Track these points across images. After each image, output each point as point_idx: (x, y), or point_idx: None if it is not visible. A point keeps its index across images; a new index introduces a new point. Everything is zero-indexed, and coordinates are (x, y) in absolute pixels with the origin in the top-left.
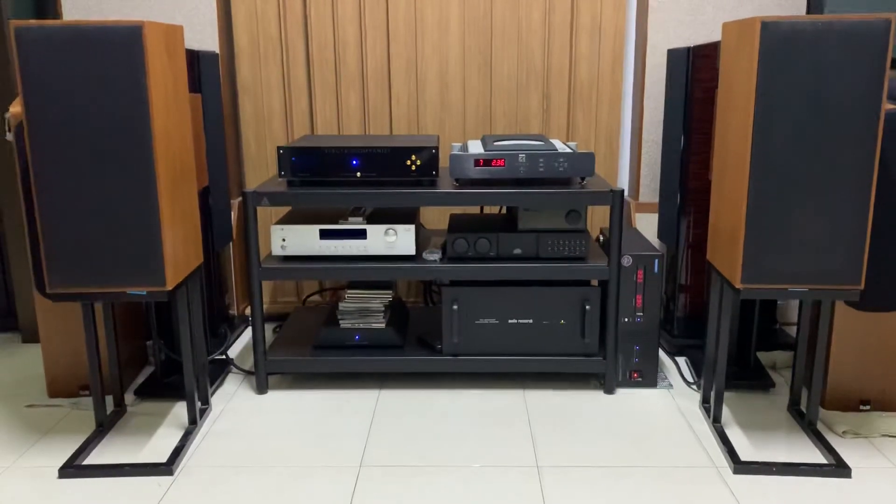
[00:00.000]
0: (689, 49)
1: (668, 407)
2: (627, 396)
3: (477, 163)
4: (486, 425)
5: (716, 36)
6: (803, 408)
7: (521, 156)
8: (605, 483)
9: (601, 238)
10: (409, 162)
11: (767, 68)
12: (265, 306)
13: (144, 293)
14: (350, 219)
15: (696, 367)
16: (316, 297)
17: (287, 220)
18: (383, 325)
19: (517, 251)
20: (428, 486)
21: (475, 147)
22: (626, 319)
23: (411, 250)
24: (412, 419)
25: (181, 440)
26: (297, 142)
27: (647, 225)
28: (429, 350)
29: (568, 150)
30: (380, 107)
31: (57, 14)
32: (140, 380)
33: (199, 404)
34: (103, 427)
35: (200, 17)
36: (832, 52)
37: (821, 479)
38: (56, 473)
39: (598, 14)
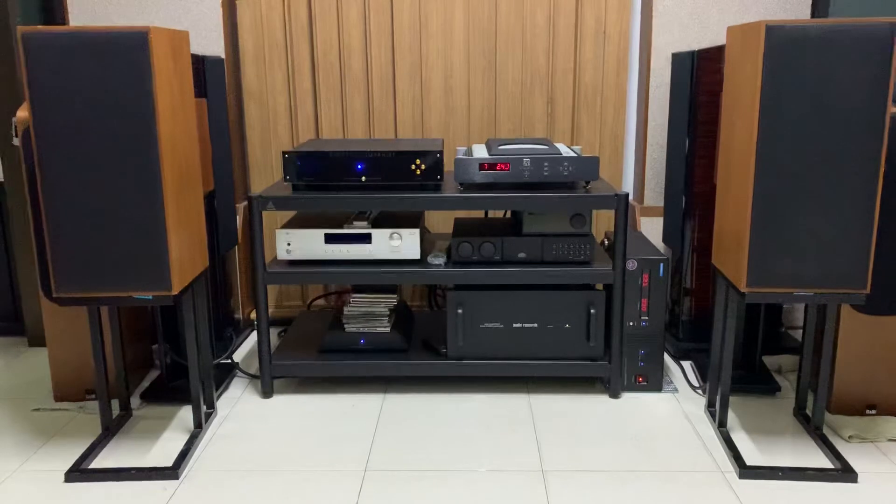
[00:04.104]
0: (693, 53)
1: (673, 411)
2: (632, 400)
3: (481, 167)
4: (491, 429)
5: (720, 40)
6: (809, 412)
7: (526, 160)
8: (610, 487)
9: (606, 242)
10: (413, 166)
11: (772, 72)
12: (270, 310)
13: (150, 297)
14: (355, 223)
15: (702, 371)
16: (321, 301)
17: (292, 224)
18: (388, 329)
19: (522, 255)
20: (433, 490)
21: (480, 151)
22: (631, 323)
23: (416, 254)
24: (417, 423)
25: (187, 444)
26: (302, 146)
27: (652, 229)
28: (434, 354)
29: (572, 154)
30: (384, 111)
31: (64, 20)
32: (146, 384)
33: (204, 408)
34: (109, 431)
35: (206, 22)
36: (837, 56)
37: (827, 484)
38: (62, 477)
39: (602, 18)
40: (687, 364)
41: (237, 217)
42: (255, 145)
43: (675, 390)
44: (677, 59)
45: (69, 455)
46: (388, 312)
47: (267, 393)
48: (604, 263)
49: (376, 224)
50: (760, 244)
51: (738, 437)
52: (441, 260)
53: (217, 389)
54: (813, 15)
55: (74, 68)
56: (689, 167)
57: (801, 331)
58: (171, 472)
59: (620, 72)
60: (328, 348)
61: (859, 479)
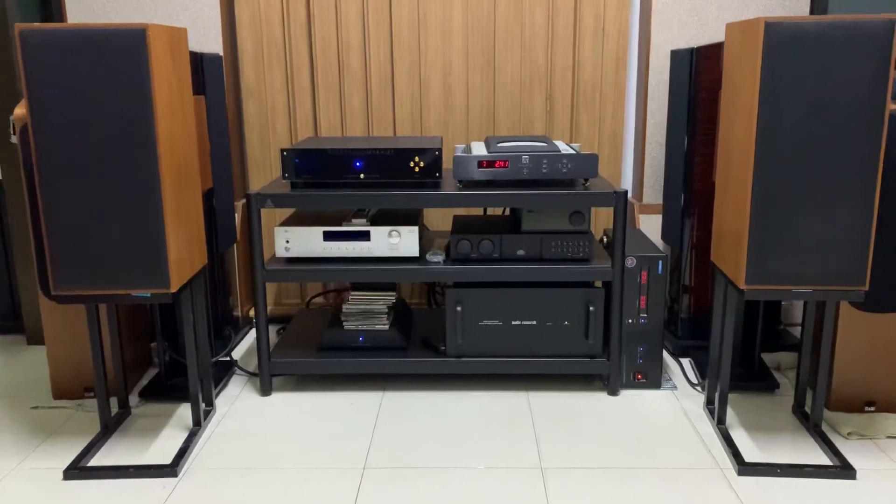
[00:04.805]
0: (692, 50)
1: (672, 408)
2: (631, 398)
3: (480, 164)
4: (490, 427)
5: (719, 37)
6: (808, 409)
7: (525, 157)
8: (609, 485)
9: (605, 239)
10: (412, 163)
11: (771, 69)
12: (269, 308)
13: (149, 295)
14: (353, 220)
15: (701, 368)
16: (320, 299)
17: (291, 221)
18: (387, 327)
19: (521, 253)
20: (432, 488)
21: (478, 148)
22: (630, 321)
23: (415, 252)
24: (416, 421)
25: (185, 442)
26: (301, 143)
27: (650, 226)
28: (433, 352)
29: (571, 152)
30: (383, 108)
31: (62, 17)
32: (144, 381)
33: (203, 406)
34: (108, 429)
35: (204, 19)
36: (836, 53)
37: (825, 481)
38: (61, 475)
39: (601, 15)
40: (686, 361)
41: (236, 215)
42: (253, 143)
43: (674, 388)
44: (676, 56)
45: (68, 453)
46: (386, 310)
47: (266, 391)
48: (603, 261)
49: (375, 222)
50: (759, 241)
51: (737, 434)
52: (440, 257)
53: (216, 387)
54: (812, 12)
55: (72, 66)
56: (688, 164)
57: (799, 328)
58: (169, 470)
59: (619, 69)
60: (327, 346)
61: (858, 476)
